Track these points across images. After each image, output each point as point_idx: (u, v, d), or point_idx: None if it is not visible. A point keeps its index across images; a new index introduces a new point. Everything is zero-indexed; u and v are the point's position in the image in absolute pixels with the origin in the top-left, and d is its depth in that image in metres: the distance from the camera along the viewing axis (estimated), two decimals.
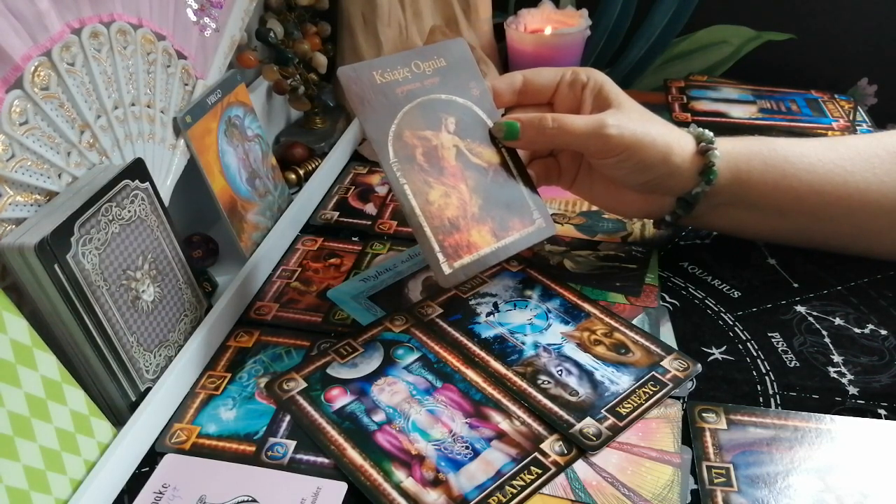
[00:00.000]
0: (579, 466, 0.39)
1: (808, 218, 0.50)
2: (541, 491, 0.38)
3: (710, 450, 0.40)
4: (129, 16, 0.46)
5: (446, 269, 0.45)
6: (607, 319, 0.49)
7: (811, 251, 0.54)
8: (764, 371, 0.45)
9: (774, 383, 0.44)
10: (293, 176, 0.65)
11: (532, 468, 0.39)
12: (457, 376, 0.45)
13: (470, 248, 0.46)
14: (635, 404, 0.42)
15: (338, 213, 0.63)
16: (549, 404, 0.42)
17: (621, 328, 0.48)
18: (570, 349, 0.46)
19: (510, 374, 0.44)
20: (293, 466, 0.40)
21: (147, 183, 0.44)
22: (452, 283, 0.45)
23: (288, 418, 0.42)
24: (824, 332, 0.48)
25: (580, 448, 0.40)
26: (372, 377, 0.45)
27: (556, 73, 0.51)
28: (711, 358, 0.46)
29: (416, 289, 0.53)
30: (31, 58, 0.39)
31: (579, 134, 0.47)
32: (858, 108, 0.76)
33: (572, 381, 0.44)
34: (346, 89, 0.45)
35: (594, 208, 0.61)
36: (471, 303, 0.50)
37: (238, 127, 0.56)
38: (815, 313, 0.49)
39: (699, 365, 0.45)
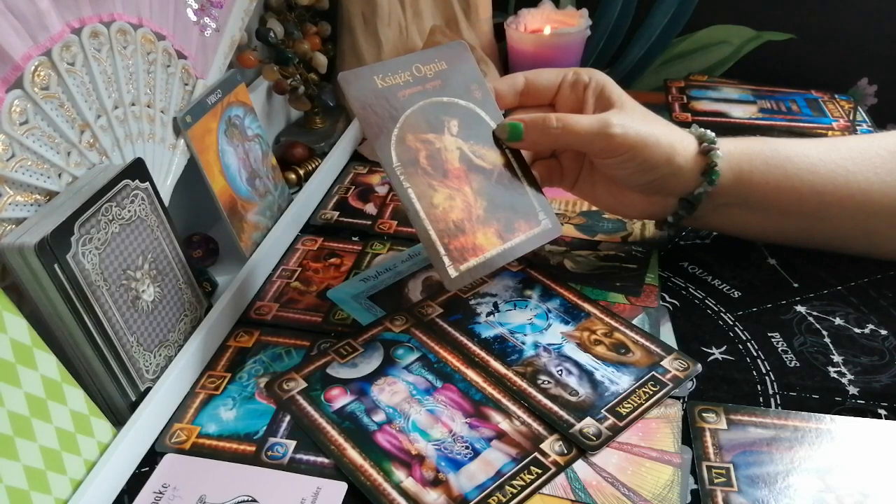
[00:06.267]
0: (579, 466, 0.39)
1: (810, 218, 0.50)
2: (541, 491, 0.38)
3: (710, 450, 0.40)
4: (129, 16, 0.46)
5: (452, 273, 0.45)
6: (607, 319, 0.49)
7: (811, 251, 0.54)
8: (764, 371, 0.45)
9: (774, 383, 0.44)
10: (293, 176, 0.65)
11: (532, 468, 0.39)
12: (457, 376, 0.45)
13: (476, 251, 0.46)
14: (635, 404, 0.42)
15: (338, 213, 0.63)
16: (549, 404, 0.42)
17: (621, 328, 0.48)
18: (570, 349, 0.46)
19: (510, 374, 0.44)
20: (293, 466, 0.40)
21: (147, 183, 0.44)
22: (458, 287, 0.45)
23: (288, 418, 0.42)
24: (824, 332, 0.48)
25: (580, 448, 0.40)
26: (372, 377, 0.45)
27: (558, 74, 0.51)
28: (711, 358, 0.46)
29: (416, 289, 0.53)
30: (31, 57, 0.39)
31: (583, 134, 0.47)
32: (858, 108, 0.76)
33: (572, 381, 0.44)
34: (347, 94, 0.45)
35: (594, 208, 0.61)
36: (471, 303, 0.50)
37: (238, 127, 0.56)
38: (815, 313, 0.49)
39: (699, 365, 0.45)
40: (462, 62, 0.50)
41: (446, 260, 0.45)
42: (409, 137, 0.46)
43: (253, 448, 0.41)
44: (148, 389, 0.42)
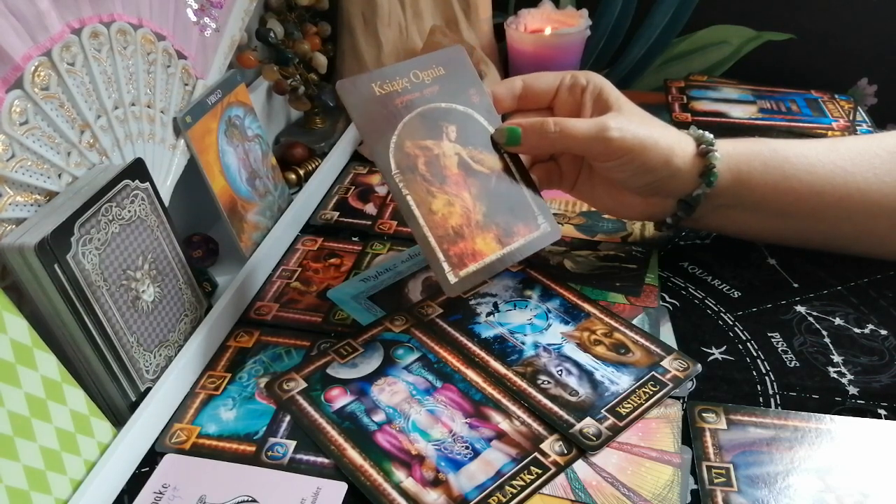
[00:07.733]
0: (579, 466, 0.39)
1: (809, 219, 0.50)
2: (541, 491, 0.38)
3: (710, 450, 0.40)
4: (129, 16, 0.46)
5: (452, 279, 0.45)
6: (607, 319, 0.49)
7: (811, 251, 0.54)
8: (764, 371, 0.45)
9: (774, 383, 0.44)
10: (293, 176, 0.65)
11: (532, 468, 0.39)
12: (457, 376, 0.45)
13: (475, 256, 0.46)
14: (635, 404, 0.42)
15: (338, 213, 0.63)
16: (549, 404, 0.42)
17: (621, 328, 0.48)
18: (570, 349, 0.46)
19: (510, 374, 0.44)
20: (293, 466, 0.40)
21: (147, 183, 0.44)
22: (458, 293, 0.45)
23: (288, 418, 0.42)
24: (824, 332, 0.48)
25: (580, 448, 0.40)
26: (372, 377, 0.45)
27: (556, 78, 0.51)
28: (711, 358, 0.46)
29: (416, 289, 0.53)
30: (32, 58, 0.39)
31: (581, 138, 0.47)
32: (858, 108, 0.76)
33: (572, 381, 0.44)
34: (346, 102, 0.45)
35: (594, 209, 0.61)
36: (471, 303, 0.50)
37: (238, 127, 0.56)
38: (815, 313, 0.49)
39: (699, 365, 0.45)
40: (460, 67, 0.50)
41: (446, 266, 0.45)
42: (408, 144, 0.46)
43: (253, 448, 0.41)
44: (148, 389, 0.42)
